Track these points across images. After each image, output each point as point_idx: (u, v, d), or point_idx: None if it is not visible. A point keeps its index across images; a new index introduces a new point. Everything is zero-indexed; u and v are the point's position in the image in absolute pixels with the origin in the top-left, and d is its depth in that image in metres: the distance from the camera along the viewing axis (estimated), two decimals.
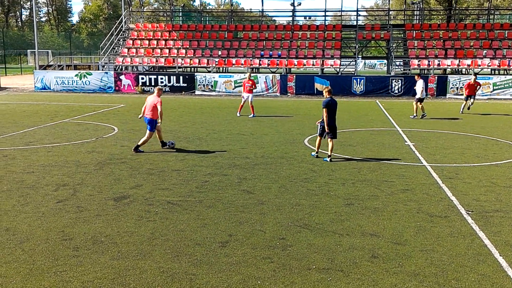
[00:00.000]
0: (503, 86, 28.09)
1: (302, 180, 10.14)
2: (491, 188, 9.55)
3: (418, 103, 19.97)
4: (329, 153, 11.94)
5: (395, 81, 29.25)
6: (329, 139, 11.97)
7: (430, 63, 31.12)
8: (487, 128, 17.10)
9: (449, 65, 31.60)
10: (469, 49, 32.21)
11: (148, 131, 12.69)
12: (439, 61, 31.38)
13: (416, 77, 21.07)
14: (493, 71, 32.55)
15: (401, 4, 49.24)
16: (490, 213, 8.06)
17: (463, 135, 15.74)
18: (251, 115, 19.85)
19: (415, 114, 20.04)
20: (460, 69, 32.32)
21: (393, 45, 34.27)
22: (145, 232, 7.13)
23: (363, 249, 6.58)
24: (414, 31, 34.69)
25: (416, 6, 43.49)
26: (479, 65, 30.94)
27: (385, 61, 43.31)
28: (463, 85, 28.22)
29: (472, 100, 21.36)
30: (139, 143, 12.77)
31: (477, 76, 23.53)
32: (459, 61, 31.10)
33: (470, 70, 30.68)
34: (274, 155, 12.59)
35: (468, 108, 21.43)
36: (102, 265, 6.05)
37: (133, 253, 6.39)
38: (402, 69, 33.02)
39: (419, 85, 19.90)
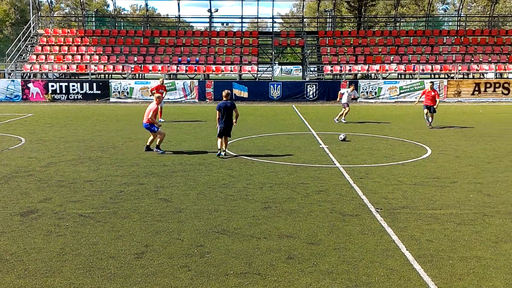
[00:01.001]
0: (408, 89, 29.89)
1: (221, 185, 10.15)
2: (398, 186, 10.10)
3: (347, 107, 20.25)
4: (224, 149, 13.08)
5: (310, 86, 30.18)
6: (223, 137, 13.07)
7: (342, 68, 32.45)
8: (395, 130, 18.09)
9: (360, 70, 33.14)
10: (377, 55, 33.97)
11: (152, 134, 13.56)
12: (350, 66, 32.80)
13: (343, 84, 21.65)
14: (399, 76, 34.54)
15: (314, 12, 50.96)
16: (397, 210, 8.52)
17: (372, 137, 16.53)
18: (161, 120, 19.71)
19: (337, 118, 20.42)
20: (369, 74, 34.00)
21: (308, 52, 35.37)
22: (54, 248, 6.77)
23: (280, 251, 6.69)
24: (327, 38, 36.02)
25: (328, 14, 45.19)
26: (387, 70, 32.72)
27: (301, 67, 44.55)
28: (372, 89, 29.80)
29: (432, 113, 18.69)
30: (157, 143, 13.53)
31: (433, 83, 20.71)
32: (369, 67, 32.70)
33: (379, 75, 32.36)
34: (193, 161, 12.50)
35: (430, 124, 18.67)
36: (7, 285, 5.67)
37: (41, 270, 6.05)
38: (316, 75, 34.14)
39: (347, 91, 20.41)
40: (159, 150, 13.48)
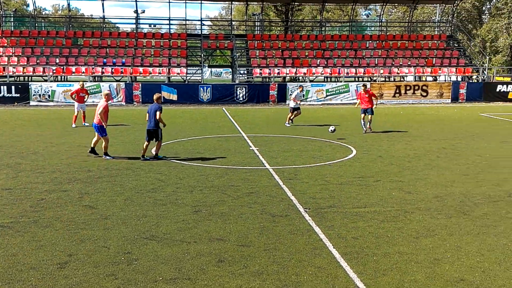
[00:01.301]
0: (334, 92, 30.82)
1: (149, 190, 9.93)
2: (325, 186, 10.37)
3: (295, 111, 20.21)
4: (155, 152, 13.00)
5: (240, 89, 30.32)
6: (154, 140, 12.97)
7: (271, 71, 32.89)
8: (322, 131, 18.56)
9: (288, 73, 33.76)
10: (304, 59, 34.77)
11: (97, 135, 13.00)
12: (278, 69, 33.32)
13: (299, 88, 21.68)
14: (326, 79, 35.54)
15: (243, 15, 51.33)
16: (324, 209, 8.73)
17: (301, 138, 16.87)
18: (87, 124, 19.04)
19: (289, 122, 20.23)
20: (297, 77, 34.72)
21: (237, 54, 35.53)
22: None
23: (210, 254, 6.64)
24: (256, 41, 36.38)
25: (256, 18, 45.67)
26: (314, 73, 33.56)
27: (230, 69, 44.69)
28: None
29: (369, 116, 17.89)
30: (104, 150, 12.94)
31: (366, 85, 19.72)
32: (296, 70, 33.39)
33: (306, 78, 33.12)
34: (119, 166, 12.14)
35: (368, 129, 17.98)
36: None
37: None
38: (246, 77, 34.36)
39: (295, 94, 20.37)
40: (107, 157, 12.95)
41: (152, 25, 51.49)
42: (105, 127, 12.87)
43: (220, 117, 23.38)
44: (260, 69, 33.23)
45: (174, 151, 14.24)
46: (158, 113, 12.74)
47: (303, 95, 19.95)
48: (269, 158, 13.30)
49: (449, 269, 6.20)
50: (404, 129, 19.29)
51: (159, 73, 32.34)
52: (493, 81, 35.81)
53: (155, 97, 13.22)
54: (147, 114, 13.01)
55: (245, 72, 35.05)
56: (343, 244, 7.03)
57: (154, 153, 13.08)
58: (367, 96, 17.96)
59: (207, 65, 45.90)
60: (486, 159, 13.27)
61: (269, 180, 10.84)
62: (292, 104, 20.50)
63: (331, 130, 16.78)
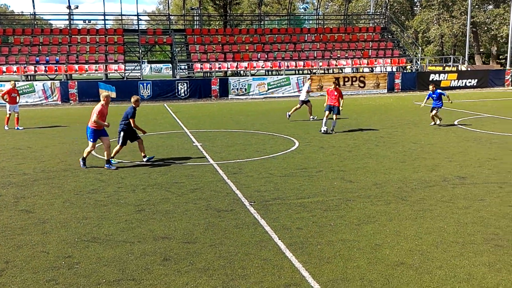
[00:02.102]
0: (276, 85, 31.10)
1: (89, 191, 9.64)
2: (270, 178, 10.45)
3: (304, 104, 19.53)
4: (142, 155, 12.37)
5: (181, 85, 29.97)
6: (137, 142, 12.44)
7: (211, 66, 32.73)
8: (265, 125, 18.69)
9: (229, 68, 33.72)
10: (245, 53, 34.84)
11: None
12: (220, 64, 33.21)
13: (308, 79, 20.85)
14: (267, 72, 35.80)
15: (181, 10, 50.67)
16: (269, 201, 8.80)
17: (244, 132, 16.92)
18: (20, 128, 18.16)
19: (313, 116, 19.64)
20: (239, 71, 34.75)
21: (177, 50, 35.08)
22: None
23: (155, 253, 6.54)
24: (195, 36, 36.06)
25: (195, 12, 45.26)
26: (255, 67, 33.71)
27: (170, 65, 44.06)
28: (242, 86, 30.49)
29: (334, 115, 16.49)
30: (106, 158, 11.77)
31: (336, 82, 17.83)
32: (238, 64, 33.40)
33: (248, 71, 33.23)
34: (57, 168, 11.70)
35: (329, 131, 16.26)
36: None
37: None
38: (187, 73, 34.01)
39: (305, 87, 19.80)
40: (110, 166, 11.62)
41: (86, 21, 49.86)
42: (96, 129, 11.51)
43: (162, 114, 23.03)
44: (201, 64, 32.99)
45: (114, 150, 13.86)
46: (131, 120, 11.94)
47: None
48: (213, 153, 13.25)
49: (389, 254, 6.42)
50: (343, 119, 19.75)
51: (96, 70, 31.40)
52: (426, 70, 37.38)
53: (132, 99, 12.22)
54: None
55: (186, 67, 34.68)
56: (288, 235, 7.12)
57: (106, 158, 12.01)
58: (335, 94, 16.44)
59: (146, 60, 45.08)
60: (422, 145, 13.84)
61: (213, 176, 10.80)
62: (303, 96, 19.87)
63: (324, 130, 16.09)
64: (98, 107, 11.62)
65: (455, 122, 18.17)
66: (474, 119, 18.95)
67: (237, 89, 30.48)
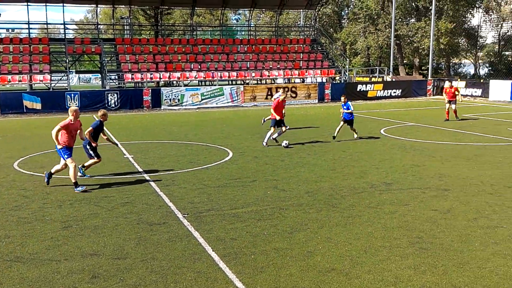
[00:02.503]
0: (209, 95, 31.05)
1: (12, 208, 9.13)
2: (203, 189, 10.39)
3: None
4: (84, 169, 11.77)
5: (111, 95, 29.21)
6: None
7: (143, 76, 32.17)
8: (199, 135, 18.58)
9: (161, 78, 33.28)
10: (177, 63, 34.55)
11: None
12: (151, 74, 32.71)
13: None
14: (200, 83, 35.66)
15: (110, 19, 49.54)
16: (203, 213, 8.74)
17: (178, 143, 16.73)
18: None
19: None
20: (171, 82, 34.36)
21: (106, 59, 34.17)
22: None
23: (83, 271, 6.29)
24: (125, 46, 35.32)
25: (125, 21, 44.36)
26: (188, 77, 33.50)
27: (100, 75, 42.83)
28: (175, 96, 30.18)
29: (283, 128, 15.97)
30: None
31: (280, 92, 17.75)
32: (170, 74, 33.05)
33: (181, 82, 32.96)
34: None
35: (276, 141, 15.89)
36: None
37: None
38: (117, 83, 33.19)
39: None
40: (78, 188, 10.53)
41: (10, 29, 47.58)
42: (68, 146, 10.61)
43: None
44: (132, 74, 32.33)
45: (40, 164, 13.28)
46: (87, 130, 11.23)
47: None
48: (145, 165, 12.98)
49: (321, 260, 6.56)
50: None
51: (20, 80, 29.92)
52: (354, 81, 38.75)
53: (98, 113, 11.75)
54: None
55: (116, 77, 33.83)
56: (222, 246, 7.09)
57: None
58: (283, 105, 16.05)
59: (74, 70, 43.51)
60: (350, 154, 14.30)
61: (145, 188, 10.57)
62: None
63: (286, 144, 15.38)
64: (65, 122, 10.62)
65: (381, 131, 18.94)
66: (399, 128, 19.85)
67: (170, 99, 30.13)
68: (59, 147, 10.58)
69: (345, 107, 16.89)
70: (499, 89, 32.86)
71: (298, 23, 53.07)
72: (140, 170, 12.40)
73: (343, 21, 64.87)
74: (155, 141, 17.19)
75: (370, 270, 6.23)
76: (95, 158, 11.53)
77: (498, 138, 16.81)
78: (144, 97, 29.57)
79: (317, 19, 45.64)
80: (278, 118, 15.88)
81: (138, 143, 16.90)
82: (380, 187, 10.38)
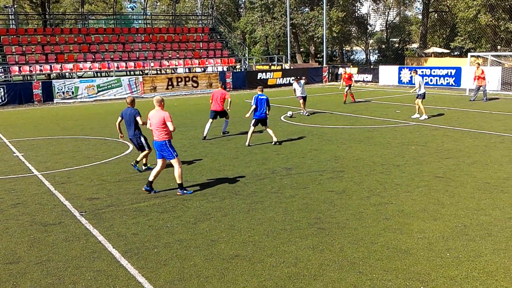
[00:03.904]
0: (106, 87, 29.87)
1: None
2: (103, 185, 10.01)
3: (420, 100, 17.89)
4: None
5: None
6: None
7: (32, 68, 30.15)
8: (96, 129, 17.82)
9: (52, 70, 31.40)
10: (69, 53, 32.78)
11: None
12: (41, 66, 30.74)
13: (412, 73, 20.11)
14: (96, 74, 34.16)
15: None
16: (102, 209, 8.42)
17: (73, 138, 15.92)
18: None
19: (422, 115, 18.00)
20: (64, 74, 32.55)
21: None
22: None
23: None
24: (10, 36, 32.84)
25: (9, 10, 41.14)
26: (82, 69, 31.94)
27: None
28: (69, 89, 28.65)
29: (225, 121, 15.90)
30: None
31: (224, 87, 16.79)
32: (62, 66, 31.28)
33: (74, 73, 31.34)
34: None
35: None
36: None
37: None
38: (3, 77, 30.80)
39: (417, 81, 17.83)
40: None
41: None
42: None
43: None
44: (19, 67, 30.15)
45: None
46: (139, 118, 10.61)
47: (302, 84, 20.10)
48: (37, 163, 12.22)
49: (224, 248, 6.62)
50: (180, 120, 19.79)
51: None
52: (254, 70, 39.32)
53: (128, 100, 10.84)
54: (120, 119, 11.04)
55: (2, 70, 31.35)
56: (123, 242, 6.89)
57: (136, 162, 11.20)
58: (222, 97, 15.25)
59: None
60: (252, 141, 14.52)
61: (38, 188, 9.96)
62: (298, 93, 20.18)
63: (290, 114, 19.34)
64: (166, 114, 9.13)
65: (282, 118, 19.46)
66: (297, 114, 20.51)
67: (63, 92, 28.52)
68: (164, 142, 9.16)
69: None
70: (388, 74, 35.10)
71: (196, 11, 52.63)
72: (32, 168, 11.66)
73: (240, 10, 65.38)
74: (48, 137, 16.23)
75: (272, 253, 6.40)
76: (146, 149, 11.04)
77: (386, 120, 18.01)
78: (34, 90, 27.72)
79: (214, 8, 45.57)
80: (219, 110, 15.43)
81: (29, 139, 15.85)
82: (281, 172, 10.68)
